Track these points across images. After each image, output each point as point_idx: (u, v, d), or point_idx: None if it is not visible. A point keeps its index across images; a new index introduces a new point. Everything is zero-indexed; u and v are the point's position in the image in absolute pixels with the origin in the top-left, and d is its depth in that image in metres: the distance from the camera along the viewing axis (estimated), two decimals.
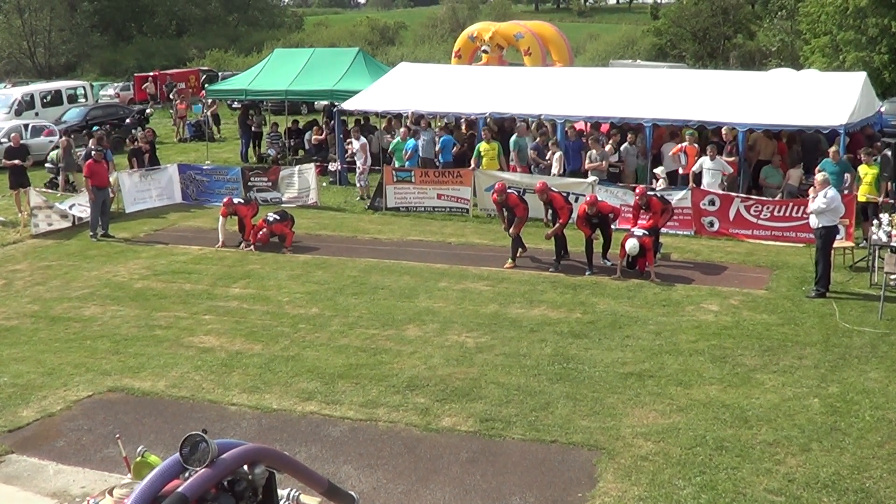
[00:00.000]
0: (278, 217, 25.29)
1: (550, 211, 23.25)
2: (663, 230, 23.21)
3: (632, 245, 21.02)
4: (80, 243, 26.30)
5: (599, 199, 22.74)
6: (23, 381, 15.98)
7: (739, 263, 22.43)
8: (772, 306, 19.03)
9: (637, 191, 23.08)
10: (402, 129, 31.88)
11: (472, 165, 28.83)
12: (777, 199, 25.04)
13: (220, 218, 25.41)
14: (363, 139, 32.12)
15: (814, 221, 19.85)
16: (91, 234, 26.59)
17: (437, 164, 30.56)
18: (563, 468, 12.40)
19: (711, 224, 25.07)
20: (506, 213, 23.07)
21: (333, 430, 13.79)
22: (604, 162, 27.66)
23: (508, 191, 23.04)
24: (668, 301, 19.54)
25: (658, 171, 27.57)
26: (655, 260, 21.76)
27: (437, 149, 30.80)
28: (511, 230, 22.80)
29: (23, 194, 29.15)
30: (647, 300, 19.62)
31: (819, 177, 20.25)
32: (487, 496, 11.72)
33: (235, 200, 25.83)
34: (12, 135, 33.25)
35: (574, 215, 22.73)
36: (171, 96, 57.59)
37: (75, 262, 24.02)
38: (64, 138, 35.30)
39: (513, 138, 29.56)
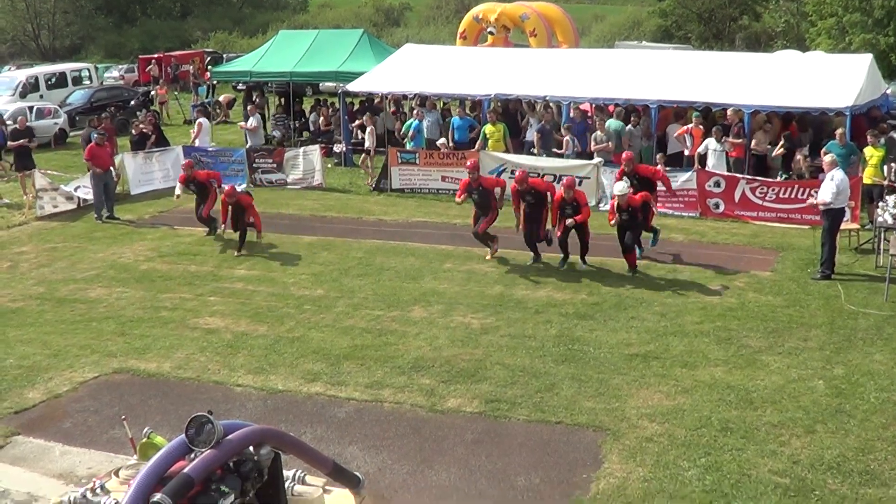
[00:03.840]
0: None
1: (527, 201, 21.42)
2: (669, 211, 23.10)
3: (621, 187, 20.07)
4: (86, 225, 26.31)
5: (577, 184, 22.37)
6: (28, 362, 16.00)
7: (745, 245, 22.41)
8: (777, 288, 19.02)
9: (624, 155, 22.60)
10: (415, 111, 31.99)
11: (478, 147, 28.81)
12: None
13: (178, 185, 25.22)
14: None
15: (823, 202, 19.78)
16: (96, 216, 26.58)
17: (448, 146, 30.56)
18: (568, 449, 12.42)
19: (717, 206, 25.03)
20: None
21: (339, 411, 13.81)
22: (609, 143, 27.59)
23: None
24: (673, 283, 19.53)
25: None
26: (651, 243, 21.46)
27: (450, 130, 30.89)
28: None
29: (28, 176, 29.16)
30: (653, 281, 19.61)
31: (828, 158, 20.20)
32: (493, 477, 11.74)
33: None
34: (18, 117, 33.23)
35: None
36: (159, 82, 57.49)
37: (80, 244, 24.04)
38: None
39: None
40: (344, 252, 22.45)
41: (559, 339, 16.33)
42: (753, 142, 26.10)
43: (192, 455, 8.54)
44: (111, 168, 27.48)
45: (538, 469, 11.88)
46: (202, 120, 33.71)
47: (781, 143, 26.30)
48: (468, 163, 22.49)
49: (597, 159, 26.56)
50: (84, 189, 28.55)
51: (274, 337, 16.90)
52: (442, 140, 30.14)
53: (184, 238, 24.40)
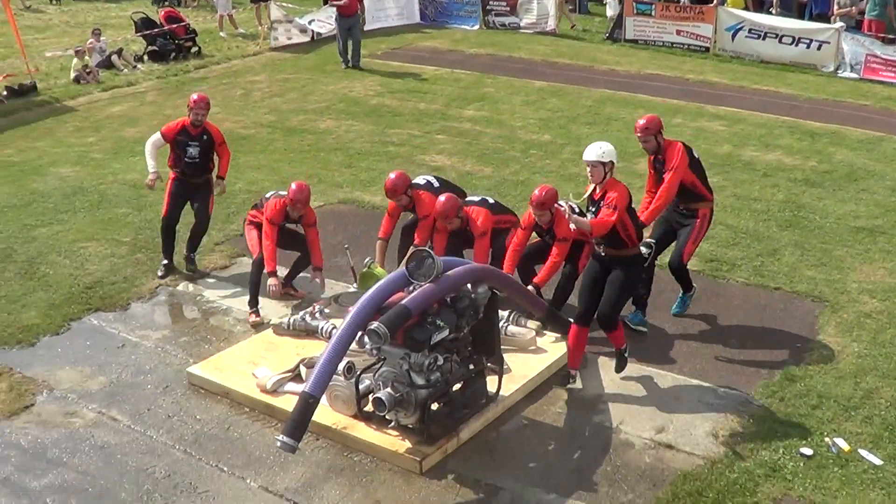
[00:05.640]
0: None
1: None
2: None
3: (600, 150, 9.98)
4: (318, 58, 26.74)
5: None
6: (257, 188, 16.46)
7: None
8: None
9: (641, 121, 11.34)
10: None
11: (715, 3, 28.06)
12: None
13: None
14: None
15: None
16: (342, 62, 25.93)
17: None
18: (784, 316, 12.21)
19: None
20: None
21: None
22: (853, 8, 26.54)
23: (566, 204, 10.23)
24: None
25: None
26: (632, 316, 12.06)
27: None
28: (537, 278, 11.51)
29: (263, 7, 29.68)
30: (887, 155, 18.87)
31: None
32: (706, 335, 11.67)
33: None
34: None
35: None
36: None
37: (312, 76, 24.48)
38: None
39: None
40: (573, 99, 22.31)
41: (785, 205, 15.96)
42: None
43: (411, 288, 8.73)
44: (356, 13, 26.63)
45: (752, 334, 11.72)
46: None
47: None
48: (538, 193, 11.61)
49: (838, 24, 25.61)
50: (318, 23, 28.97)
51: (498, 178, 16.99)
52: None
53: (414, 76, 24.58)
